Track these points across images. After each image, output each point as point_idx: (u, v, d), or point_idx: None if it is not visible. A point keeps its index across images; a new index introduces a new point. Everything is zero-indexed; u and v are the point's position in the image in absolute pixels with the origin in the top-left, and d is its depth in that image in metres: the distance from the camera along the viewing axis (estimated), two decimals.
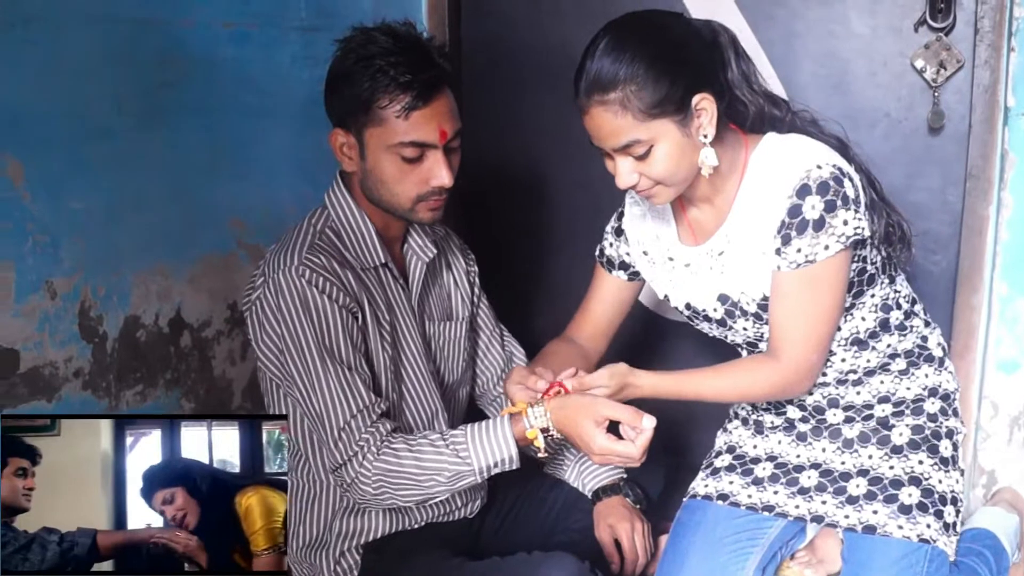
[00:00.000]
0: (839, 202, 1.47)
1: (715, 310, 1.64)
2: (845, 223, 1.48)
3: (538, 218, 2.52)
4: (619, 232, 1.79)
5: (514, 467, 1.55)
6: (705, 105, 1.47)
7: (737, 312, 1.62)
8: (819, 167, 1.48)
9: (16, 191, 1.54)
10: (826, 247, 1.48)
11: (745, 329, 1.64)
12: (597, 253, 1.83)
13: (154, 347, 1.82)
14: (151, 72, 1.79)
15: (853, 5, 2.17)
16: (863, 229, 1.50)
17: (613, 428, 1.50)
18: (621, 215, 1.79)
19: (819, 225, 1.48)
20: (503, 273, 2.29)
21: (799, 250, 1.49)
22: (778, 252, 1.52)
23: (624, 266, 1.79)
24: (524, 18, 2.42)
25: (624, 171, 1.49)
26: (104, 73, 1.70)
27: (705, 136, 1.48)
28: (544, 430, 1.52)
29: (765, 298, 1.58)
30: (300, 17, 2.14)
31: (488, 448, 1.52)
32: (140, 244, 1.78)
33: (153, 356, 1.82)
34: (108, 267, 1.72)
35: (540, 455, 1.55)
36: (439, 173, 1.59)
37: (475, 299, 1.90)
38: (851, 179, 1.51)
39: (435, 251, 1.76)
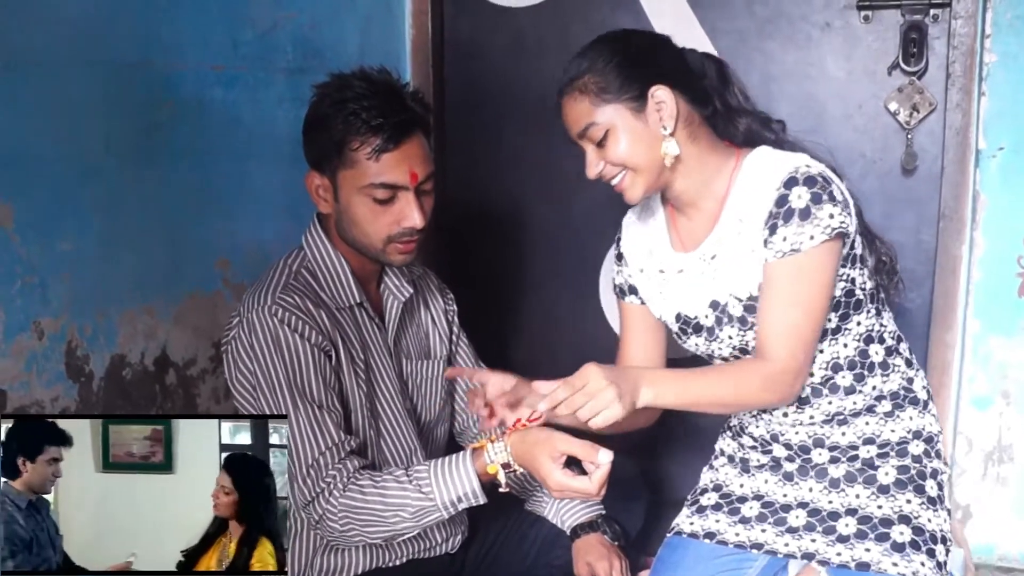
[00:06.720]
0: (825, 196, 1.50)
1: (707, 316, 1.65)
2: (831, 216, 1.50)
3: (519, 256, 2.55)
4: (620, 257, 1.81)
5: (480, 502, 1.55)
6: (662, 96, 1.54)
7: (724, 318, 1.63)
8: (808, 166, 1.54)
9: (5, 233, 1.57)
10: (811, 236, 1.50)
11: (731, 338, 1.64)
12: (612, 287, 1.84)
13: (140, 385, 1.84)
14: (141, 114, 1.83)
15: (829, 49, 2.22)
16: (848, 225, 1.53)
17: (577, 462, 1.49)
18: (619, 240, 1.81)
19: (805, 214, 1.50)
20: (483, 310, 2.32)
21: (785, 238, 1.51)
22: (766, 243, 1.54)
23: (633, 290, 1.80)
24: (507, 60, 2.46)
25: (590, 160, 1.59)
26: (94, 115, 1.73)
27: (665, 128, 1.55)
28: (505, 465, 1.52)
29: (751, 298, 1.59)
30: (287, 59, 2.18)
31: (450, 483, 1.53)
32: (127, 284, 1.81)
33: (138, 394, 1.84)
34: (95, 307, 1.74)
35: (502, 489, 1.55)
36: (410, 214, 1.62)
37: (453, 338, 1.92)
38: (839, 187, 1.55)
39: (411, 290, 1.79)
